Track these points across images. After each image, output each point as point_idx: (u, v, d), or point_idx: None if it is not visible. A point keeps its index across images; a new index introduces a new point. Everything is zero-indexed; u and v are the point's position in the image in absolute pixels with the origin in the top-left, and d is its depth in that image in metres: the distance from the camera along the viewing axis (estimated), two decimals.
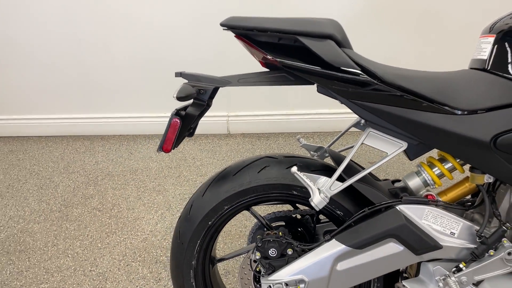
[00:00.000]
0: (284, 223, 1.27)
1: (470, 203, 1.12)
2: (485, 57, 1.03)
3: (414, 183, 1.10)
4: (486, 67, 1.02)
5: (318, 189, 0.98)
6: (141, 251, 1.81)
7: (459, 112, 0.95)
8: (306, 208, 1.24)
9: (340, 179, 1.02)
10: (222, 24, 1.03)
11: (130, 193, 2.28)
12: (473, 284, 1.01)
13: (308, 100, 2.87)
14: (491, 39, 1.02)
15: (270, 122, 2.91)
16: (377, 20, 2.68)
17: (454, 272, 1.00)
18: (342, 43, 0.97)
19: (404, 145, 1.01)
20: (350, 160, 1.06)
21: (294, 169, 0.98)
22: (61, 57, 2.92)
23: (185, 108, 1.08)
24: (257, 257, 1.09)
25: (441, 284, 1.00)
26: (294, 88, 2.75)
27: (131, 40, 2.83)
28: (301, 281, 1.04)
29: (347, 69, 0.93)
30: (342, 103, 1.00)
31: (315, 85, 1.03)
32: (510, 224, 1.00)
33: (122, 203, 2.18)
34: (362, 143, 1.02)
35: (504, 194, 1.05)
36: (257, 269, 1.14)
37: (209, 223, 1.13)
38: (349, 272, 1.03)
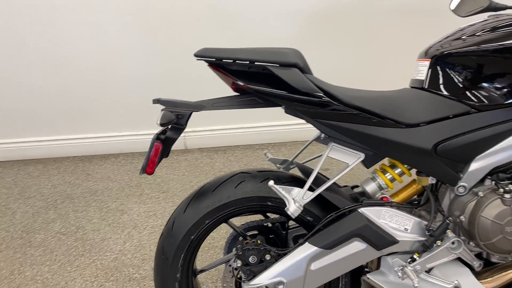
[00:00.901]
0: (257, 232, 1.38)
1: (417, 202, 1.31)
2: (423, 78, 1.21)
3: (370, 187, 1.26)
4: (424, 86, 1.21)
5: (293, 199, 1.11)
6: (112, 270, 1.85)
7: (404, 126, 1.12)
8: (276, 216, 1.37)
9: (310, 188, 1.15)
10: (196, 55, 1.14)
11: (93, 214, 2.29)
12: (426, 271, 1.18)
13: (261, 113, 3.02)
14: (427, 63, 1.21)
15: (226, 136, 3.02)
16: (318, 38, 2.89)
17: (409, 263, 1.16)
18: (304, 70, 1.12)
19: (362, 155, 1.16)
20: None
21: (271, 182, 1.11)
22: (5, 80, 2.87)
23: (163, 132, 1.18)
24: (239, 265, 1.20)
25: (400, 274, 1.15)
26: None
27: (80, 61, 2.84)
28: (280, 282, 1.16)
29: (312, 93, 1.07)
30: (307, 122, 1.14)
31: (283, 107, 1.16)
32: (452, 217, 1.18)
33: (86, 225, 2.19)
34: (327, 156, 1.16)
35: (445, 192, 1.24)
36: (238, 276, 1.24)
37: (192, 237, 1.22)
38: (322, 270, 1.16)
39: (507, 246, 1.14)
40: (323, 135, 1.33)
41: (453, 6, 1.47)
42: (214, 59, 1.12)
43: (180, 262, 1.23)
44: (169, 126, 1.18)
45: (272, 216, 1.39)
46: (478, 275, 1.21)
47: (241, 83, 1.11)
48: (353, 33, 2.92)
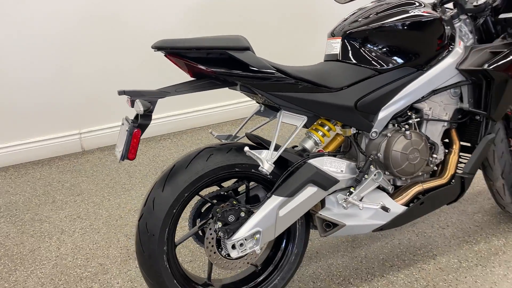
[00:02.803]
0: (216, 200, 1.57)
1: (344, 150, 1.65)
2: (337, 52, 1.55)
3: (308, 144, 1.55)
4: (339, 59, 1.54)
5: (266, 160, 1.33)
6: (58, 275, 1.81)
7: (333, 90, 1.44)
8: (230, 185, 1.56)
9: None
10: (156, 47, 1.27)
11: (7, 229, 2.14)
12: (360, 200, 1.53)
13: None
14: (339, 40, 1.54)
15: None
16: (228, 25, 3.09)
17: (348, 195, 1.50)
18: (253, 52, 1.34)
19: (305, 118, 1.44)
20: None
21: (247, 148, 1.31)
22: None
23: (134, 121, 1.28)
24: (219, 226, 1.38)
25: (344, 205, 1.48)
26: None
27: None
28: (257, 232, 1.38)
29: (266, 70, 1.31)
30: (262, 96, 1.36)
31: (238, 86, 1.37)
32: (373, 155, 1.54)
33: (4, 241, 2.05)
34: (281, 122, 1.41)
35: (362, 138, 1.60)
36: (218, 237, 1.42)
37: (174, 211, 1.35)
38: (288, 215, 1.42)
39: (411, 169, 1.55)
40: (262, 108, 1.59)
41: None
42: (176, 49, 1.26)
43: (165, 236, 1.36)
44: (140, 114, 1.29)
45: (226, 186, 1.58)
46: (392, 196, 1.61)
47: (205, 68, 1.28)
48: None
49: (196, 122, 3.25)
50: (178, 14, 2.98)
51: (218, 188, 1.59)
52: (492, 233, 1.91)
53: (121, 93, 1.27)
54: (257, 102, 1.60)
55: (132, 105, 1.26)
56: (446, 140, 1.75)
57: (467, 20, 1.70)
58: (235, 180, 1.53)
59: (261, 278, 1.55)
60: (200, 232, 1.51)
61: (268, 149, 1.38)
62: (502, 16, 1.70)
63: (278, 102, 1.38)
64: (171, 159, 2.78)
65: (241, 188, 1.58)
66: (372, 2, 1.67)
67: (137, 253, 1.38)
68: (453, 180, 1.66)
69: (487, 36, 1.72)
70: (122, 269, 1.82)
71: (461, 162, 1.73)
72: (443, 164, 1.70)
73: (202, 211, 1.51)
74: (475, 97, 1.65)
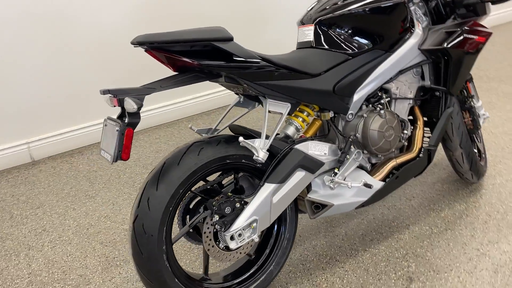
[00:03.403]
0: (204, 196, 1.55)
1: (321, 134, 1.71)
2: (311, 39, 1.59)
3: (290, 131, 1.58)
4: (313, 45, 1.59)
5: (260, 148, 1.34)
6: None
7: (313, 76, 1.48)
8: (215, 178, 1.55)
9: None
10: (136, 42, 1.24)
11: None
12: (344, 179, 1.60)
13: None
14: (312, 27, 1.59)
15: (79, 136, 2.87)
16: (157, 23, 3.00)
17: (334, 176, 1.56)
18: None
19: (289, 105, 1.47)
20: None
21: (241, 138, 1.32)
22: None
23: (123, 120, 1.23)
24: (217, 219, 1.38)
25: (331, 185, 1.54)
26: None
27: None
28: (254, 220, 1.40)
29: (252, 59, 1.32)
30: (248, 85, 1.37)
31: (223, 77, 1.36)
32: (352, 136, 1.61)
33: None
34: (268, 111, 1.43)
35: (338, 121, 1.67)
36: (214, 230, 1.41)
37: (170, 209, 1.33)
38: (281, 200, 1.45)
39: (387, 145, 1.65)
40: (242, 98, 1.60)
41: None
42: (159, 43, 1.23)
43: (164, 234, 1.33)
44: (128, 113, 1.24)
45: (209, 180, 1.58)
46: (370, 173, 1.69)
47: (191, 61, 1.26)
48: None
49: (150, 122, 3.17)
50: (125, 10, 2.87)
51: (204, 183, 1.58)
52: (453, 199, 2.08)
53: (105, 92, 1.22)
54: (236, 93, 1.60)
55: (120, 104, 1.22)
56: (410, 117, 1.87)
57: (420, 4, 1.82)
58: (219, 173, 1.53)
59: (257, 266, 1.57)
60: (190, 229, 1.49)
61: (255, 138, 1.40)
62: None
63: (263, 91, 1.40)
64: (132, 162, 2.69)
65: (225, 181, 1.58)
66: None
67: (134, 255, 1.33)
68: (421, 154, 1.79)
69: (438, 17, 1.86)
70: (106, 277, 1.75)
71: (424, 136, 1.86)
72: (410, 139, 1.82)
73: (191, 207, 1.50)
74: (435, 75, 1.78)
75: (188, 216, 1.50)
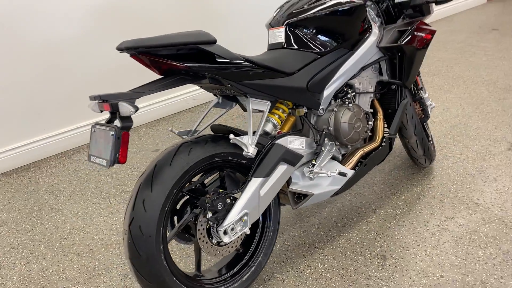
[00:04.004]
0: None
1: (298, 130, 1.81)
2: (282, 40, 1.69)
3: (268, 128, 1.66)
4: (284, 46, 1.69)
5: (249, 144, 1.41)
6: None
7: (289, 75, 1.58)
8: (198, 179, 1.59)
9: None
10: (124, 47, 1.26)
11: None
12: (320, 170, 1.71)
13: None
14: (282, 29, 1.68)
15: (34, 150, 2.75)
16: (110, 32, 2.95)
17: (312, 167, 1.66)
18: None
19: (269, 102, 1.56)
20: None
21: (232, 136, 1.38)
22: None
23: (116, 125, 1.25)
24: (211, 215, 1.43)
25: (311, 176, 1.65)
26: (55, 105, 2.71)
27: None
28: (245, 214, 1.47)
29: (236, 60, 1.39)
30: (231, 86, 1.43)
31: (207, 78, 1.42)
32: (325, 129, 1.72)
33: None
34: (252, 110, 1.50)
35: (310, 116, 1.78)
36: (208, 226, 1.46)
37: (166, 209, 1.36)
38: (267, 193, 1.53)
39: (357, 136, 1.78)
40: (220, 99, 1.67)
41: None
42: (147, 48, 1.26)
43: (161, 235, 1.36)
44: (121, 117, 1.26)
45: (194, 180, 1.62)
46: (342, 163, 1.82)
47: (179, 64, 1.30)
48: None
49: None
50: (77, 17, 2.80)
51: (189, 184, 1.62)
52: (410, 183, 2.28)
53: (96, 98, 1.24)
54: (214, 94, 1.66)
55: (112, 109, 1.23)
56: (371, 110, 2.03)
57: (372, 6, 1.99)
58: (202, 173, 1.58)
59: (247, 258, 1.64)
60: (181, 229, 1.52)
61: (241, 135, 1.47)
62: (397, 0, 2.03)
63: (246, 90, 1.47)
64: (95, 172, 2.63)
65: (206, 180, 1.62)
66: None
67: (131, 258, 1.34)
68: (383, 142, 1.95)
69: (389, 18, 2.04)
70: (89, 287, 1.73)
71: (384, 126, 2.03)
72: (373, 130, 1.98)
73: (178, 207, 1.53)
74: (391, 70, 1.95)
75: (176, 217, 1.54)
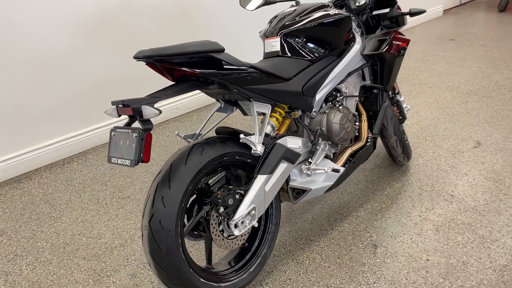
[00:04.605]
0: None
1: (294, 131, 1.96)
2: (278, 49, 1.84)
3: (268, 130, 1.81)
4: (279, 54, 1.84)
5: (258, 143, 1.55)
6: None
7: (287, 80, 1.73)
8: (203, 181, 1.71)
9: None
10: (140, 57, 1.38)
11: None
12: (316, 166, 1.86)
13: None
14: (278, 39, 1.84)
15: (23, 162, 2.75)
16: (94, 45, 3.01)
17: (309, 165, 1.81)
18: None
19: (270, 106, 1.70)
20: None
21: (242, 135, 1.51)
22: None
23: (138, 127, 1.36)
24: (222, 210, 1.54)
25: (309, 172, 1.79)
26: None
27: None
28: (253, 208, 1.59)
29: (243, 67, 1.52)
30: (237, 90, 1.57)
31: (215, 84, 1.55)
32: (318, 130, 1.88)
33: None
34: (257, 112, 1.64)
35: (304, 118, 1.93)
36: (219, 220, 1.57)
37: (182, 205, 1.47)
38: (272, 188, 1.66)
39: (347, 136, 1.95)
40: (223, 104, 1.80)
41: (243, 4, 2.14)
42: (162, 57, 1.38)
43: (179, 229, 1.46)
44: (142, 120, 1.37)
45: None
46: (333, 161, 1.98)
47: (191, 70, 1.42)
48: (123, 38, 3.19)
49: (97, 140, 3.15)
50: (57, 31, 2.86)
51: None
52: (391, 180, 2.47)
53: (119, 103, 1.34)
54: (217, 100, 1.79)
55: (134, 113, 1.33)
56: (356, 113, 2.21)
57: (353, 17, 2.19)
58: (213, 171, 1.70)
59: (252, 251, 1.76)
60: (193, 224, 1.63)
61: (246, 135, 1.61)
62: (375, 12, 2.24)
63: (250, 95, 1.61)
64: (88, 180, 2.68)
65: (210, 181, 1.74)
66: (291, 7, 2.02)
67: (152, 252, 1.43)
68: (368, 142, 2.13)
69: (367, 28, 2.24)
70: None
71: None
72: (358, 130, 2.16)
73: (188, 206, 1.64)
74: (373, 75, 2.15)
75: (185, 215, 1.64)
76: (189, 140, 1.78)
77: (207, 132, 1.85)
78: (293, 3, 2.17)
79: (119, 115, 1.41)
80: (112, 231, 2.17)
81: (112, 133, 1.43)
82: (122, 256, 1.99)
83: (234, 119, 3.52)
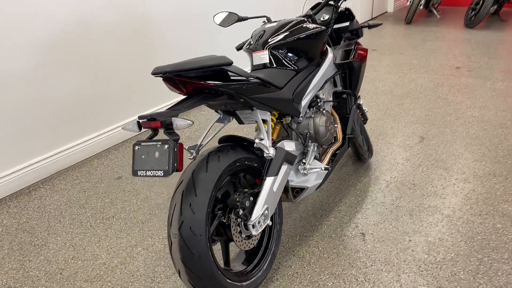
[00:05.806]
0: None
1: (286, 136, 2.11)
2: (267, 61, 2.00)
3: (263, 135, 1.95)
4: (269, 66, 2.00)
5: (270, 146, 1.68)
6: None
7: (280, 89, 1.89)
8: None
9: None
10: (157, 73, 1.47)
11: None
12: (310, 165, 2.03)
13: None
14: (266, 52, 1.99)
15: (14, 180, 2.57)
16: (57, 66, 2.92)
17: (304, 165, 1.98)
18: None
19: (268, 113, 1.84)
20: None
21: (257, 140, 1.63)
22: None
23: (167, 139, 1.44)
24: (242, 212, 1.65)
25: (305, 172, 1.96)
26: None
27: None
28: (266, 209, 1.72)
29: (250, 78, 1.66)
30: (243, 100, 1.69)
31: (224, 95, 1.66)
32: (307, 133, 2.05)
33: None
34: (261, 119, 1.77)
35: (292, 123, 2.10)
36: (238, 222, 1.67)
37: (209, 210, 1.55)
38: (278, 190, 1.81)
39: (331, 137, 2.16)
40: (222, 115, 1.91)
41: (217, 21, 2.29)
42: (179, 72, 1.47)
43: (207, 234, 1.54)
44: (168, 132, 1.45)
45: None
46: (320, 160, 2.17)
47: (204, 82, 1.52)
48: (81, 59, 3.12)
49: (62, 164, 3.03)
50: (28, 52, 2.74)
51: None
52: (359, 176, 2.72)
53: (146, 117, 1.41)
54: (216, 111, 1.89)
55: (162, 125, 1.41)
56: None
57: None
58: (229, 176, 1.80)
59: (262, 250, 1.87)
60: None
61: (252, 142, 1.74)
62: (335, 26, 2.49)
63: (253, 103, 1.74)
64: (63, 204, 2.58)
65: None
66: (264, 22, 2.19)
67: (183, 259, 1.50)
68: (344, 141, 2.35)
69: (333, 40, 2.48)
70: None
71: None
72: (336, 132, 2.38)
73: None
74: (344, 82, 2.38)
75: None
76: (192, 151, 1.86)
77: (207, 142, 1.94)
78: (265, 19, 2.34)
79: (140, 129, 1.47)
80: (107, 251, 2.14)
81: (136, 148, 1.48)
82: (126, 273, 1.98)
83: (227, 128, 3.60)
